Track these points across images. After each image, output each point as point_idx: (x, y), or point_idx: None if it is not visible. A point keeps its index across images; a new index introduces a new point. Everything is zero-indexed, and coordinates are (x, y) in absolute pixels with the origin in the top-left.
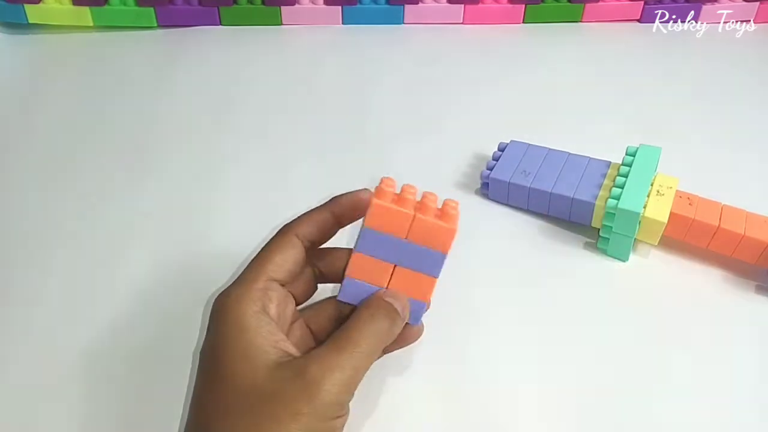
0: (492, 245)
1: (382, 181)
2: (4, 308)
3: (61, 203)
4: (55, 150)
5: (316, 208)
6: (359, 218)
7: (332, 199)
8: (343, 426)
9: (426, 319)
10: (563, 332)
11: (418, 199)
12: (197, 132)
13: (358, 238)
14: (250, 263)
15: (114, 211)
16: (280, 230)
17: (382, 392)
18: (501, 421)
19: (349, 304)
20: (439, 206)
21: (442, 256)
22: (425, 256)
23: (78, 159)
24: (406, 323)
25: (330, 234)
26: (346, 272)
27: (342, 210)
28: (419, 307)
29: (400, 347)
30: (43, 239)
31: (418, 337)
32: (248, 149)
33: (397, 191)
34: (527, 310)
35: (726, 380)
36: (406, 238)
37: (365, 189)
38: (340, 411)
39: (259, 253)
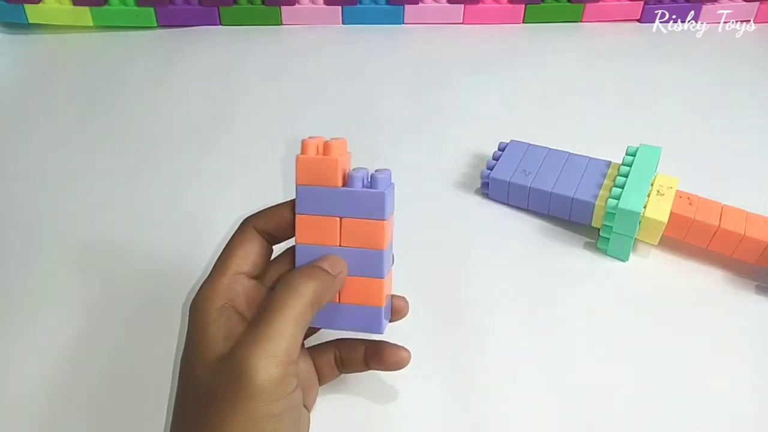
0: (492, 245)
1: (305, 140)
2: None
3: (61, 202)
4: (54, 149)
5: (278, 204)
6: None
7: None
8: (298, 401)
9: (425, 318)
10: (563, 332)
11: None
12: (197, 131)
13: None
14: (216, 260)
15: (114, 209)
16: (240, 224)
17: (379, 392)
18: (501, 420)
19: None
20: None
21: (381, 194)
22: (364, 199)
23: (77, 158)
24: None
25: (289, 231)
26: (296, 240)
27: None
28: (379, 259)
29: (386, 370)
30: (43, 239)
31: (405, 364)
32: (248, 148)
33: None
34: (527, 310)
35: (726, 380)
36: (342, 186)
37: None
38: (283, 388)
39: (223, 249)
